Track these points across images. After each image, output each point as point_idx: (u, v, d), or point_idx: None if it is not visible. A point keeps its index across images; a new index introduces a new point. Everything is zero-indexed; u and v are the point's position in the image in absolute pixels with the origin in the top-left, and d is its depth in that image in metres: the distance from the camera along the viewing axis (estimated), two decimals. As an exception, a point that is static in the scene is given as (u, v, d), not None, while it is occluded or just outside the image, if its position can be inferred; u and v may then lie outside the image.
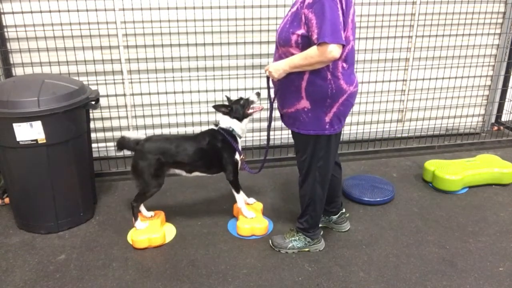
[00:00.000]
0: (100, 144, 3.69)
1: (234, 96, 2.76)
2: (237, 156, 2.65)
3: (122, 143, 2.66)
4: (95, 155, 3.37)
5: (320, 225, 2.75)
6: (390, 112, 4.15)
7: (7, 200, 3.03)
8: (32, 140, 2.50)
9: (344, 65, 2.13)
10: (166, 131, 3.75)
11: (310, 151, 2.31)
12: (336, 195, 2.67)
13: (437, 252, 2.55)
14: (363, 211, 2.98)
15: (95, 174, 3.17)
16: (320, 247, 2.56)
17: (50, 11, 3.24)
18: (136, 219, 2.65)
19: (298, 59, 2.07)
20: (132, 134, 2.65)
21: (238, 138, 2.67)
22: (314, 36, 1.97)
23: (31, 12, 3.23)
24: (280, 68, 2.15)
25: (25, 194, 2.67)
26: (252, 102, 2.64)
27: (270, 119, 2.47)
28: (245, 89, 3.70)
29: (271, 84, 2.39)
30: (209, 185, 3.35)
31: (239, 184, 2.73)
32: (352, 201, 3.10)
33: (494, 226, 2.81)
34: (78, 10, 3.28)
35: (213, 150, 2.63)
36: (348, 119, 3.98)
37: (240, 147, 2.68)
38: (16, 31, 3.28)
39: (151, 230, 2.62)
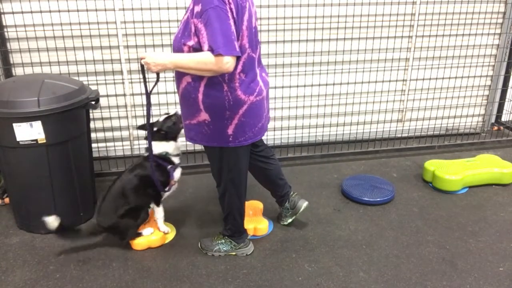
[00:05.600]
0: (100, 144, 3.69)
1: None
2: (176, 176, 2.58)
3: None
4: (95, 155, 3.36)
5: (289, 221, 2.74)
6: (390, 112, 4.15)
7: (7, 200, 3.03)
8: (32, 140, 2.50)
9: (242, 75, 2.07)
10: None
11: (218, 163, 2.27)
12: (275, 185, 2.65)
13: (437, 252, 2.55)
14: (363, 211, 2.98)
15: (95, 174, 3.17)
16: (247, 251, 2.54)
17: (50, 11, 3.24)
18: (140, 234, 2.60)
19: (188, 61, 1.94)
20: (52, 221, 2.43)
21: (173, 160, 2.56)
22: (206, 48, 1.89)
23: (31, 12, 3.23)
24: (161, 63, 2.00)
25: (25, 194, 2.67)
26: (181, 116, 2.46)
27: (148, 115, 2.33)
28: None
29: (150, 76, 2.18)
30: (210, 185, 3.35)
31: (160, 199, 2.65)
32: (352, 201, 3.10)
33: (494, 226, 2.81)
34: (78, 10, 3.28)
35: (146, 181, 2.50)
36: (348, 119, 4.06)
37: (175, 171, 2.56)
38: (16, 31, 3.27)
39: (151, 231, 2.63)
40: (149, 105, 2.30)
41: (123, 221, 2.49)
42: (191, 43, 1.97)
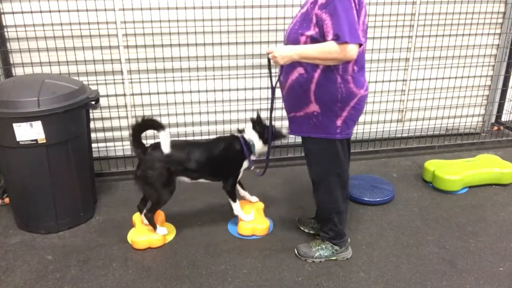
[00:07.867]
0: (100, 144, 3.69)
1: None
2: (244, 166, 2.62)
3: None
4: (95, 155, 3.37)
5: (311, 232, 2.72)
6: (390, 112, 4.15)
7: (7, 200, 3.03)
8: (32, 140, 2.50)
9: (355, 67, 2.10)
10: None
11: (325, 157, 2.25)
12: None
13: (437, 252, 2.55)
14: (363, 211, 2.98)
15: (95, 174, 3.17)
16: (347, 255, 2.49)
17: (50, 11, 3.24)
18: (155, 227, 2.61)
19: (313, 51, 2.00)
20: None
21: (252, 152, 2.62)
22: (330, 37, 1.94)
23: (31, 12, 3.23)
24: (288, 55, 2.05)
25: (25, 194, 2.67)
26: (283, 136, 2.60)
27: (271, 110, 2.42)
28: (245, 89, 3.70)
29: (275, 70, 2.25)
30: (209, 185, 3.34)
31: (235, 194, 2.69)
32: (352, 201, 3.09)
33: (494, 226, 2.81)
34: (78, 10, 3.28)
35: (224, 157, 2.58)
36: (348, 119, 4.05)
37: (252, 159, 2.63)
38: (16, 31, 3.27)
39: (151, 231, 2.62)
40: (273, 99, 2.38)
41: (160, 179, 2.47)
42: (310, 33, 2.03)
